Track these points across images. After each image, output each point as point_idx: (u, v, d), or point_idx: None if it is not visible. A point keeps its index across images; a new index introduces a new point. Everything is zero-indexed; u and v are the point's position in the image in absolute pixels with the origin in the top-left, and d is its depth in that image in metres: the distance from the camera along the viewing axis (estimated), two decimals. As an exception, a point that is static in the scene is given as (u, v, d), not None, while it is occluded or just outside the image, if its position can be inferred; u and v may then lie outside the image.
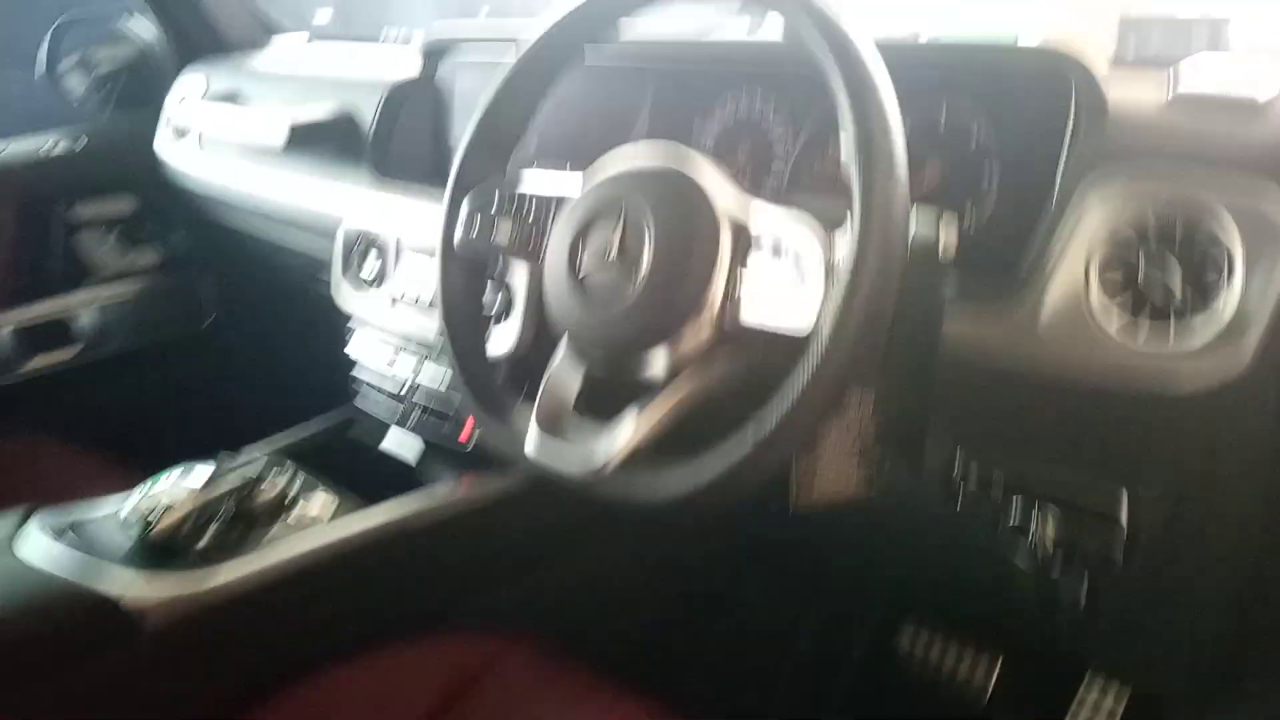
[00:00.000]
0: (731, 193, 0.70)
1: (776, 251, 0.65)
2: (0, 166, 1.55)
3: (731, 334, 0.67)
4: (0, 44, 2.64)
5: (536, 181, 0.81)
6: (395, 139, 1.25)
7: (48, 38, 1.68)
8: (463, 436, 1.07)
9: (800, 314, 0.62)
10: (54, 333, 1.60)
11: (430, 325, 1.08)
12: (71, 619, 0.80)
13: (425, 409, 1.12)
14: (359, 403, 1.22)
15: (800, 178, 0.88)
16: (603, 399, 0.74)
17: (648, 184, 0.71)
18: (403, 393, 1.15)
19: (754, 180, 0.92)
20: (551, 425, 0.73)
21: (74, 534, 0.92)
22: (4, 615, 0.78)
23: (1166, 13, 0.81)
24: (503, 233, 0.80)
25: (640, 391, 0.71)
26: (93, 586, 0.82)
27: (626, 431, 0.68)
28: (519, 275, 0.92)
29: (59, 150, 1.60)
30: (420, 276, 1.10)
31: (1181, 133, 0.69)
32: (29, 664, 0.78)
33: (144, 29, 1.73)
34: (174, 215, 1.69)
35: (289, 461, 1.03)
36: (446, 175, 1.23)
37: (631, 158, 0.75)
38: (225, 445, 1.21)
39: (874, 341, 0.60)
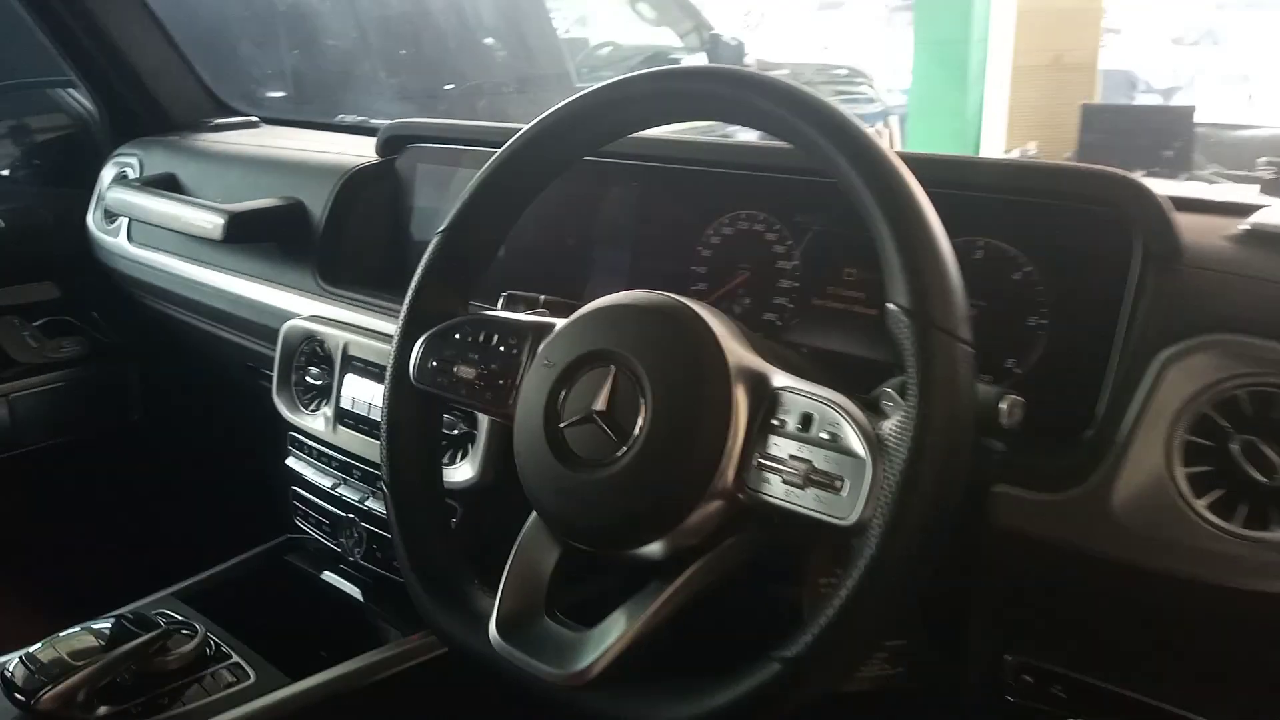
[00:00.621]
0: (744, 342, 0.58)
1: (806, 421, 0.53)
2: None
3: (747, 512, 0.55)
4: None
5: (505, 320, 0.69)
6: (347, 233, 1.13)
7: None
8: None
9: (842, 499, 0.50)
10: (-39, 430, 1.44)
11: (376, 450, 0.95)
12: None
13: (376, 539, 0.98)
14: (299, 523, 1.08)
15: (809, 303, 0.78)
16: (583, 579, 0.61)
17: (644, 325, 0.60)
18: (348, 519, 1.01)
19: (757, 304, 0.81)
20: (519, 613, 0.60)
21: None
22: None
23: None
24: (464, 377, 0.68)
25: (630, 573, 0.58)
26: None
27: (616, 628, 0.56)
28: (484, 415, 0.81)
29: (-22, 228, 1.46)
30: (367, 396, 0.97)
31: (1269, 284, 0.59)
32: None
33: (81, 100, 1.61)
34: (102, 302, 1.54)
35: (205, 615, 0.89)
36: (401, 280, 1.13)
37: (619, 296, 0.63)
38: (145, 559, 1.06)
39: (941, 537, 0.49)
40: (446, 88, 2.49)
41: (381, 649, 0.92)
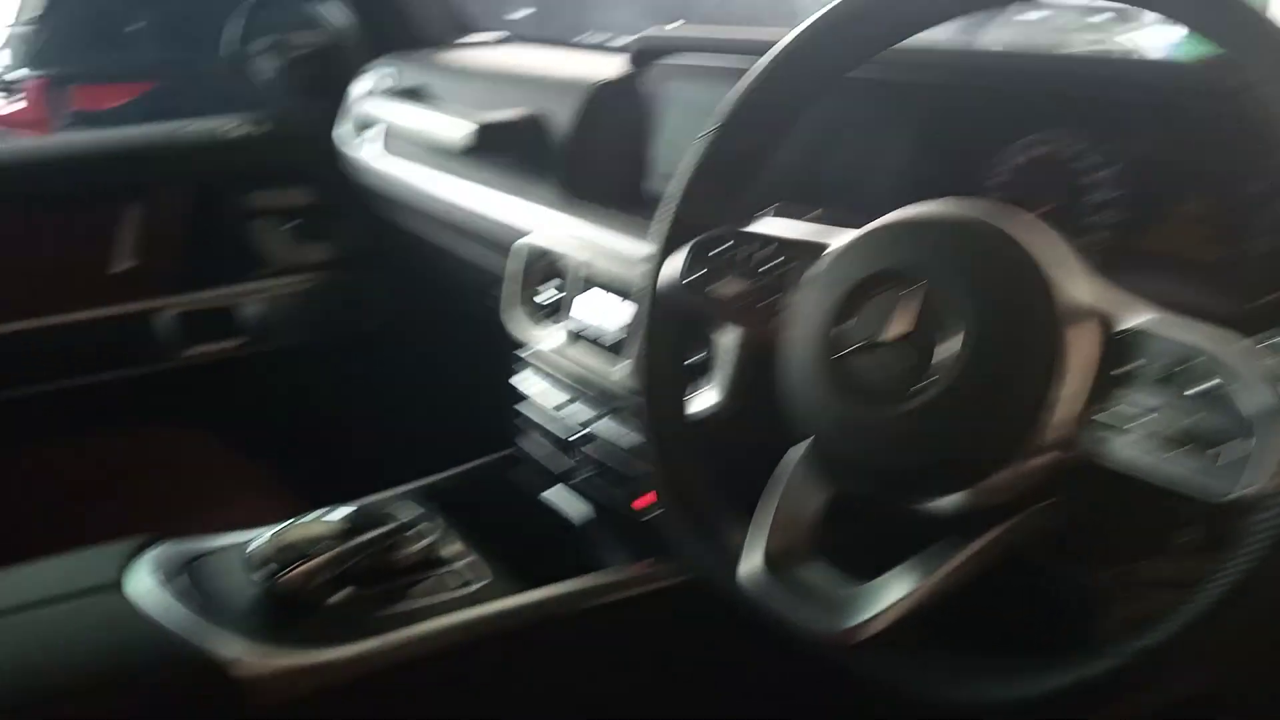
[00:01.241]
0: (1084, 268, 0.49)
1: (1170, 369, 0.43)
2: (179, 146, 1.50)
3: (1073, 474, 0.46)
4: (183, 23, 2.69)
5: (781, 229, 0.62)
6: (592, 150, 1.10)
7: (238, 17, 1.63)
8: (640, 503, 0.90)
9: (1219, 467, 0.41)
10: (218, 322, 1.54)
11: (612, 371, 0.92)
12: (174, 681, 0.68)
13: (598, 466, 0.95)
14: (522, 443, 1.07)
15: (1132, 246, 0.67)
16: (854, 529, 0.55)
17: (954, 241, 0.52)
18: (572, 442, 0.99)
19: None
20: (779, 554, 0.55)
21: (190, 575, 0.80)
22: (101, 668, 0.67)
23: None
24: (728, 292, 0.62)
25: (907, 530, 0.51)
26: (202, 646, 0.70)
27: (897, 587, 0.49)
28: (728, 336, 0.75)
29: (239, 134, 1.54)
30: (607, 314, 0.93)
31: None
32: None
33: (336, 16, 1.66)
34: (350, 212, 1.61)
35: (438, 515, 0.89)
36: (647, 200, 1.08)
37: (926, 206, 0.55)
38: (376, 457, 1.09)
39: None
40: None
41: (605, 572, 0.90)
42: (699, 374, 0.84)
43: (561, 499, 1.01)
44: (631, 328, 0.89)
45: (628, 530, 0.93)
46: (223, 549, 0.87)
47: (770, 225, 0.63)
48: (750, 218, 0.65)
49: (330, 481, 1.30)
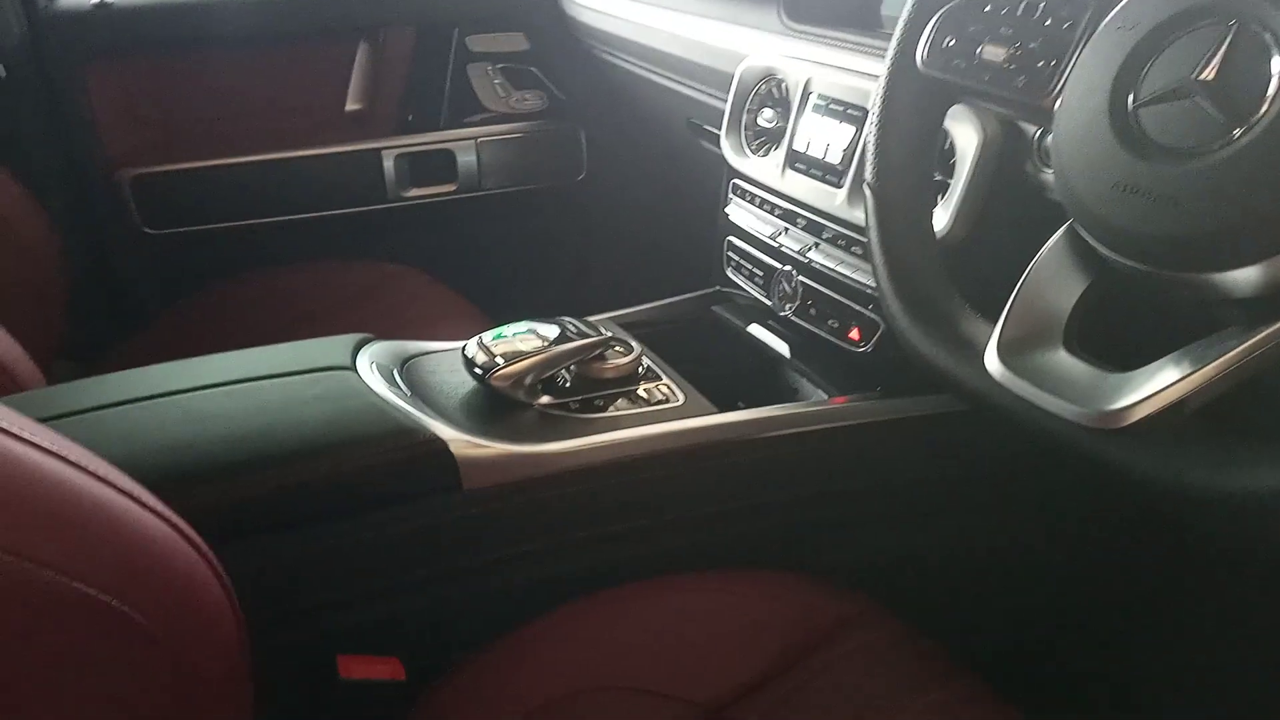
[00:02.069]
0: None
1: None
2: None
3: None
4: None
5: None
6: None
7: None
8: (854, 334, 0.86)
9: None
10: (437, 165, 1.59)
11: (831, 197, 0.87)
12: (400, 450, 0.71)
13: (810, 294, 0.91)
14: (731, 274, 1.04)
15: None
16: (1105, 328, 0.48)
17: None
18: (784, 273, 0.94)
19: None
20: (1027, 342, 0.49)
21: (409, 370, 0.83)
22: (334, 431, 0.70)
23: None
24: (990, 58, 0.55)
25: (1182, 320, 0.44)
26: (423, 424, 0.73)
27: (1167, 373, 0.43)
28: (965, 136, 0.67)
29: (464, -26, 1.55)
30: (827, 138, 0.87)
31: None
32: (345, 496, 0.70)
33: None
34: (564, 58, 1.59)
35: (636, 340, 0.88)
36: (877, 22, 1.00)
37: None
38: (583, 302, 1.10)
39: None
40: None
41: (803, 404, 0.87)
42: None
43: (766, 334, 0.98)
44: (858, 150, 0.83)
45: (835, 365, 0.89)
46: (438, 350, 0.90)
47: None
48: None
49: (537, 317, 1.33)
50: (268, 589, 0.66)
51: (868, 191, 0.61)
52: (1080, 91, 0.48)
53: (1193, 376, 0.42)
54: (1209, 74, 0.42)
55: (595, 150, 1.66)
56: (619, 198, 1.66)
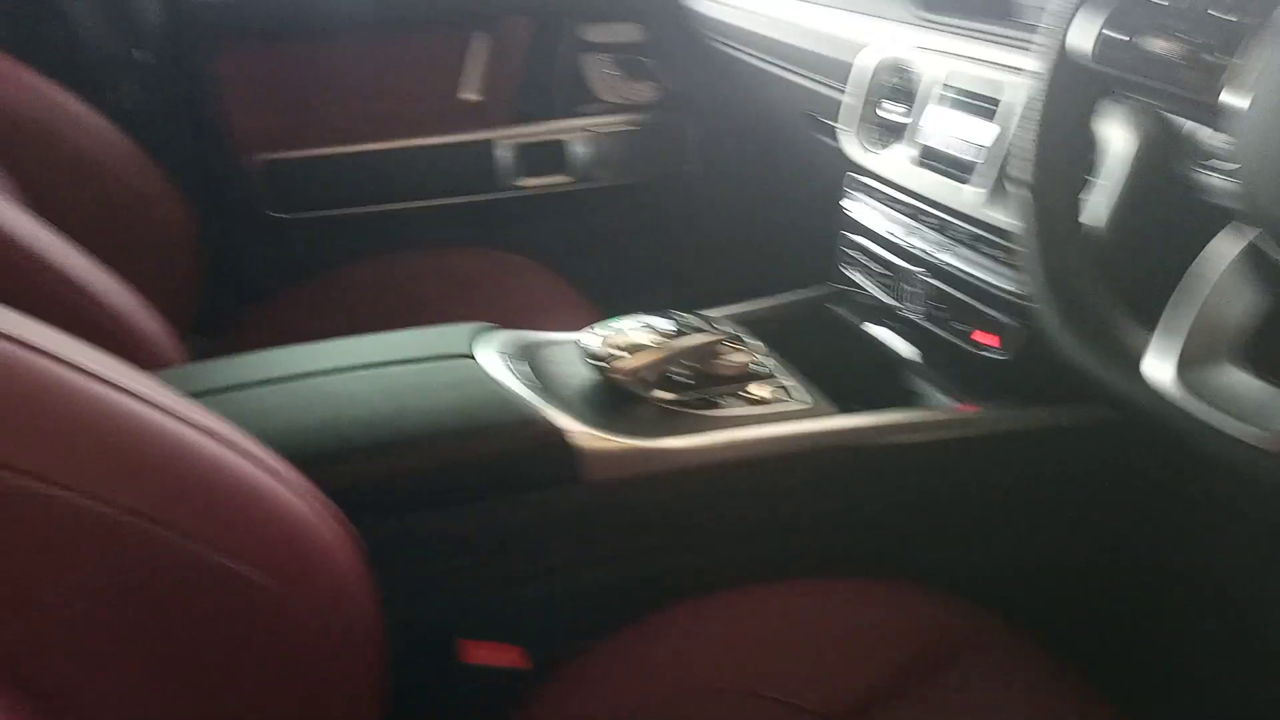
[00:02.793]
0: None
1: None
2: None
3: None
4: None
5: None
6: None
7: None
8: (985, 338, 0.83)
9: None
10: (549, 156, 1.60)
11: (962, 194, 0.84)
12: (521, 438, 0.72)
13: (936, 295, 0.88)
14: (848, 272, 1.02)
15: None
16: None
17: None
18: (908, 272, 0.92)
19: None
20: (1198, 358, 0.46)
21: (529, 359, 0.84)
22: (456, 418, 0.72)
23: None
24: (1158, 52, 0.51)
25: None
26: (543, 414, 0.73)
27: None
28: (1121, 125, 0.64)
29: (582, -36, 1.55)
30: (960, 133, 0.84)
31: None
32: (469, 482, 0.71)
33: None
34: (677, 49, 1.58)
35: (752, 337, 0.87)
36: (1015, 12, 0.96)
37: None
38: (693, 296, 1.09)
39: None
40: None
41: (929, 409, 0.85)
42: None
43: (885, 333, 0.96)
44: (997, 147, 0.80)
45: (959, 369, 0.87)
46: (555, 342, 0.90)
47: None
48: None
49: (648, 310, 1.33)
50: (393, 567, 0.68)
51: (1020, 190, 0.58)
52: (1270, 88, 0.45)
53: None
54: None
55: (704, 143, 1.65)
56: (727, 190, 1.65)
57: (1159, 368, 0.47)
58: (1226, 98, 0.47)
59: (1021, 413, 0.81)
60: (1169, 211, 0.63)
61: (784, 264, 1.16)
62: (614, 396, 0.80)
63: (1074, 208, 0.57)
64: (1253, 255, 0.47)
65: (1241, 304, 0.46)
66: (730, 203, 1.65)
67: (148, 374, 0.48)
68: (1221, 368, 0.46)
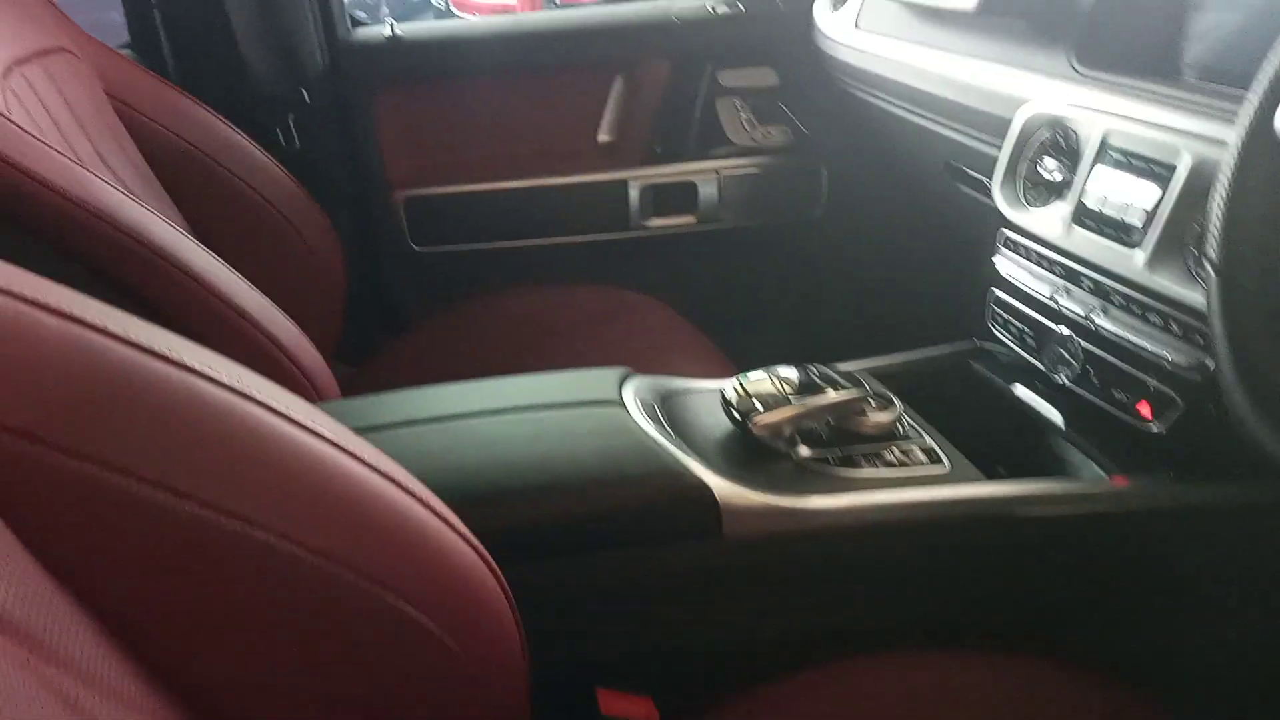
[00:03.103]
0: None
1: None
2: (667, 22, 1.56)
3: None
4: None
5: None
6: (1119, 10, 0.95)
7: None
8: (1144, 408, 0.79)
9: None
10: (680, 197, 1.62)
11: (1125, 260, 0.81)
12: (666, 490, 0.72)
13: (1092, 362, 0.85)
14: (996, 329, 0.99)
15: None
16: None
17: None
18: (1066, 335, 0.89)
19: None
20: None
21: (669, 408, 0.85)
22: (604, 466, 0.73)
23: None
24: None
25: None
26: (688, 466, 0.73)
27: None
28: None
29: (721, 10, 1.57)
30: (1124, 195, 0.81)
31: None
32: (614, 532, 0.72)
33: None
34: (813, 93, 1.59)
35: (894, 394, 0.86)
36: (1181, 73, 0.92)
37: None
38: (819, 346, 1.08)
39: None
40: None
41: (1079, 480, 0.82)
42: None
43: (1034, 397, 0.93)
44: (1167, 211, 0.77)
45: (1117, 439, 0.83)
46: (693, 390, 0.90)
47: None
48: None
49: (774, 355, 1.33)
50: (535, 613, 0.69)
51: (1211, 272, 0.56)
52: None
53: None
54: None
55: (837, 187, 1.64)
56: (859, 237, 1.63)
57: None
58: None
59: (1179, 488, 0.77)
60: None
61: (922, 317, 1.14)
62: (754, 450, 0.80)
63: (1273, 293, 0.54)
64: None
65: None
66: (864, 250, 1.63)
67: (324, 413, 0.51)
68: None
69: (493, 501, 0.68)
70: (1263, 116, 0.54)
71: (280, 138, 1.39)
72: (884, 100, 1.37)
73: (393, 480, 0.50)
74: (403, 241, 1.56)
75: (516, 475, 0.71)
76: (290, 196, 1.30)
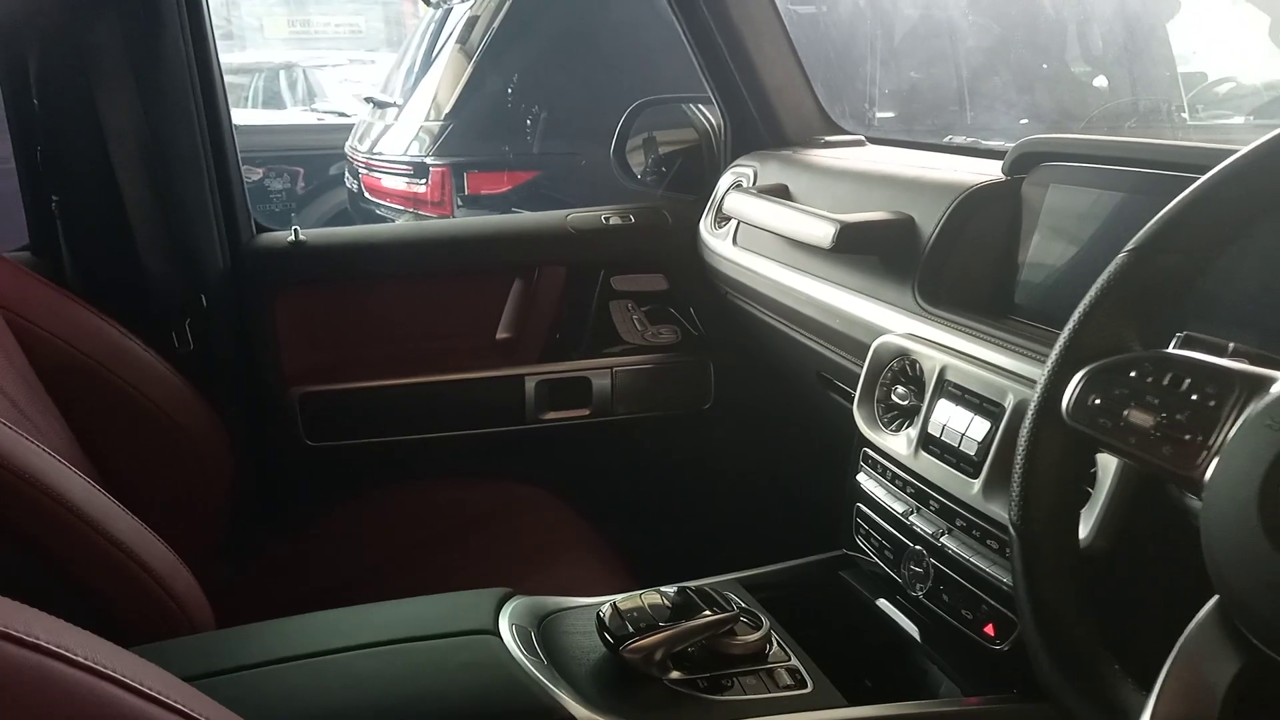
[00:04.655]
0: None
1: None
2: (564, 231, 1.67)
3: None
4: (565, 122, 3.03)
5: (1205, 364, 0.56)
6: (956, 253, 1.07)
7: (623, 117, 1.79)
8: (989, 628, 0.85)
9: None
10: (573, 391, 1.68)
11: (964, 486, 0.88)
12: None
13: (940, 579, 0.91)
14: (860, 542, 1.05)
15: None
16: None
17: None
18: (915, 553, 0.95)
19: None
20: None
21: (545, 632, 0.87)
22: (472, 706, 0.74)
23: None
24: (1137, 423, 0.57)
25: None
26: (557, 701, 0.75)
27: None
28: (1110, 469, 0.69)
29: (614, 221, 1.69)
30: (960, 426, 0.90)
31: None
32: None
33: (708, 116, 1.78)
34: (700, 297, 1.69)
35: (768, 608, 0.90)
36: (1009, 313, 1.04)
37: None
38: (708, 533, 1.12)
39: None
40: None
41: (934, 702, 0.86)
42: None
43: (895, 611, 0.98)
44: (995, 445, 0.85)
45: (967, 656, 0.88)
46: (571, 609, 0.93)
47: (1194, 357, 0.58)
48: (1166, 351, 0.60)
49: (661, 550, 1.36)
50: None
51: (1013, 533, 0.63)
52: (1229, 480, 0.50)
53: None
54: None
55: (723, 382, 1.73)
56: (745, 431, 1.71)
57: (1141, 733, 0.49)
58: (1202, 473, 0.52)
59: (1025, 708, 0.82)
60: (1159, 525, 0.67)
61: (798, 519, 1.20)
62: (627, 675, 0.82)
63: (1068, 555, 0.61)
64: (1224, 617, 0.50)
65: (1222, 671, 0.49)
66: (749, 445, 1.71)
67: (150, 663, 0.49)
68: None
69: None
70: (1048, 401, 0.62)
71: (175, 340, 1.41)
72: (761, 311, 1.47)
73: None
74: (297, 438, 1.57)
75: (389, 718, 0.71)
76: (180, 399, 1.31)
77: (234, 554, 1.42)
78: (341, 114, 5.99)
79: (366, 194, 3.99)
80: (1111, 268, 0.61)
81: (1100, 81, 2.68)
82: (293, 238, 1.56)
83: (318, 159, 5.27)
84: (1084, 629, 0.58)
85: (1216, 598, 0.51)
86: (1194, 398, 0.54)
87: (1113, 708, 0.53)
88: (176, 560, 0.91)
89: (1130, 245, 0.61)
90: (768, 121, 1.62)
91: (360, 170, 4.06)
